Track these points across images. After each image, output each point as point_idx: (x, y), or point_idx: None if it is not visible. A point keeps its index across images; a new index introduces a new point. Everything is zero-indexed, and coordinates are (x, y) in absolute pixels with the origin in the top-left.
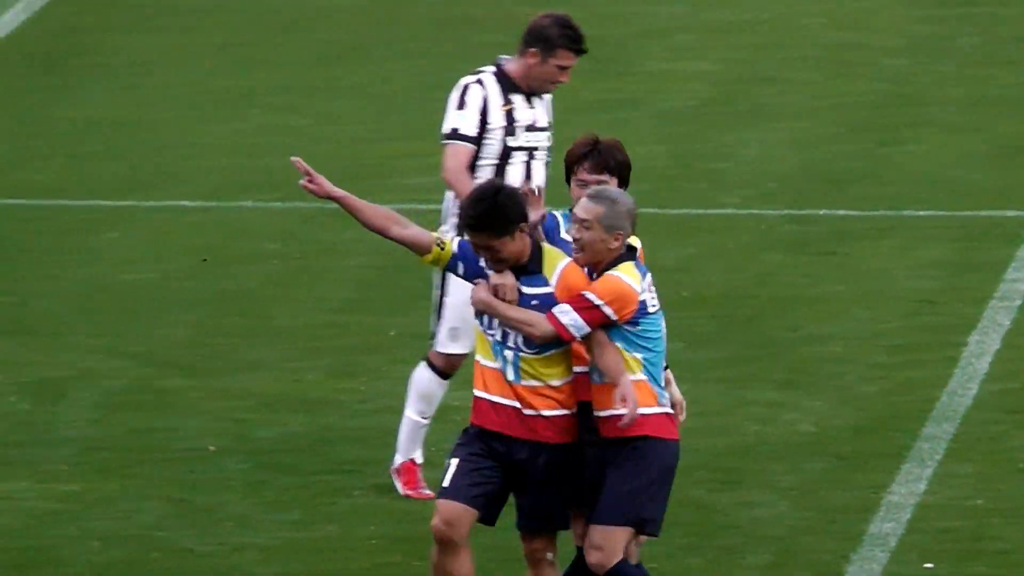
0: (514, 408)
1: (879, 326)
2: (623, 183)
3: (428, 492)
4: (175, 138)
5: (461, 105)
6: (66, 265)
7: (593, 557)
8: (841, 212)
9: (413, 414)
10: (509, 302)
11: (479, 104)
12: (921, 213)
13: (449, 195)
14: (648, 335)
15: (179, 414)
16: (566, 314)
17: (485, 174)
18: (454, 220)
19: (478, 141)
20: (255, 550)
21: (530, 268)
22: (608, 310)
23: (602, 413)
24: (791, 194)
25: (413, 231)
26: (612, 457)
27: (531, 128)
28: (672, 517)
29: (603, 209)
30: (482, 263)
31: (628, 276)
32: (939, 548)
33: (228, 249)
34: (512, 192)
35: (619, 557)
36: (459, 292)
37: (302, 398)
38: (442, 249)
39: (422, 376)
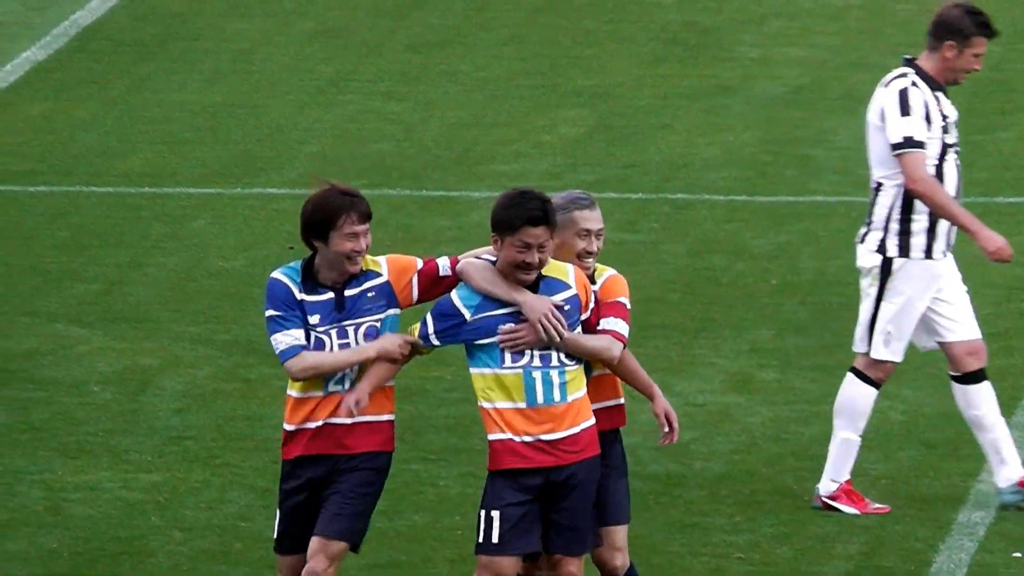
0: (549, 441)
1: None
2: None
3: (880, 506)
4: (268, 124)
5: (905, 111)
6: (155, 253)
7: (619, 559)
8: None
9: (848, 433)
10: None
11: (922, 107)
12: (1013, 200)
13: (882, 206)
14: None
15: (266, 403)
16: (621, 325)
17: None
18: (896, 228)
19: (925, 144)
20: None
21: (541, 275)
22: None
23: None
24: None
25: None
26: (606, 453)
27: (955, 124)
28: (762, 506)
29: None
30: (444, 321)
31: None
32: None
33: None
34: None
35: None
36: (896, 297)
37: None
38: (424, 345)
39: (854, 392)
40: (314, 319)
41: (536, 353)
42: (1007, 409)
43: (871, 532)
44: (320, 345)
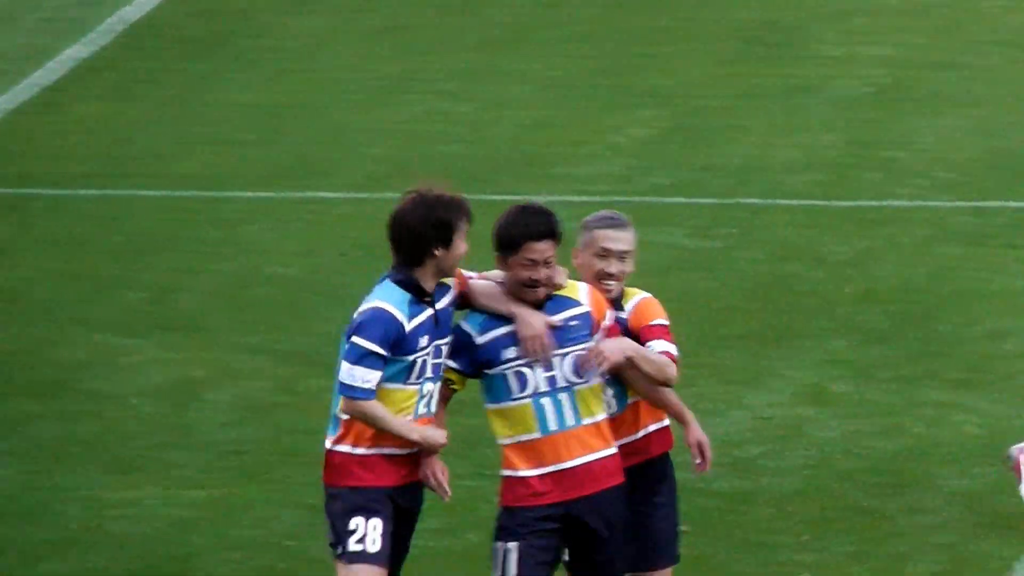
0: (564, 470)
1: None
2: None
3: None
4: (330, 126)
5: None
6: (210, 259)
7: None
8: (1021, 203)
9: None
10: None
11: None
12: None
13: None
14: None
15: (321, 416)
16: (669, 346)
17: None
18: None
19: None
20: None
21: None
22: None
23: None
24: (969, 184)
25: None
26: (653, 487)
27: None
28: (836, 524)
29: (634, 236)
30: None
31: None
32: None
33: (378, 242)
34: None
35: None
36: None
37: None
38: (455, 381)
39: None
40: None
41: (542, 377)
42: None
43: (948, 551)
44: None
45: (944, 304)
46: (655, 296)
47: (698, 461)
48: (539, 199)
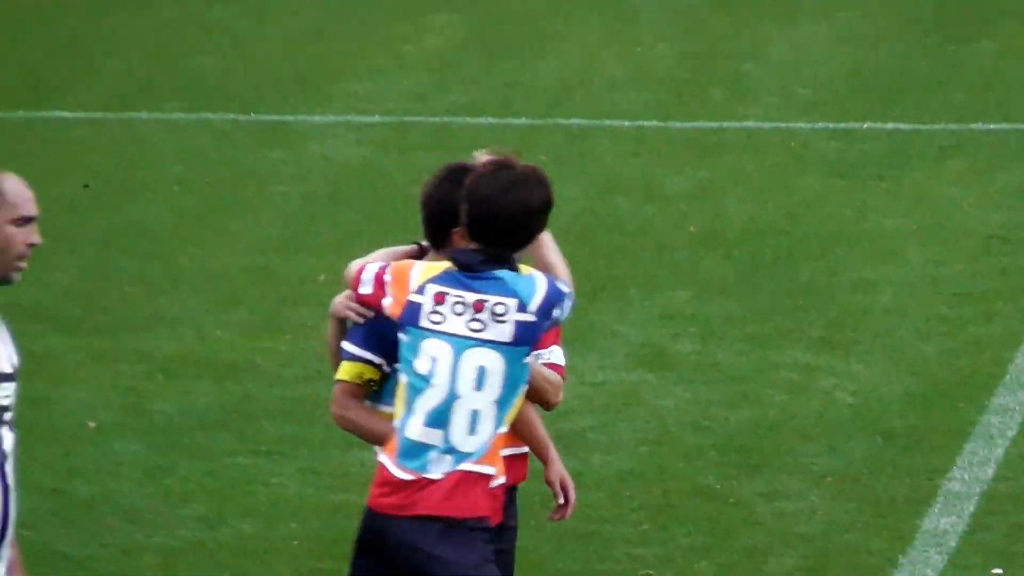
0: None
1: (940, 269)
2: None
3: None
4: (61, 36)
5: None
6: None
7: None
8: (893, 126)
9: None
10: None
11: None
12: (994, 127)
13: None
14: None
15: (55, 382)
16: (562, 357)
17: None
18: None
19: None
20: (150, 553)
21: None
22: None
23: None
24: (831, 104)
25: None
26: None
27: None
28: (680, 511)
29: None
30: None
31: None
32: (1010, 549)
33: (119, 174)
34: None
35: None
36: None
37: (211, 362)
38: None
39: None
40: None
41: None
42: (984, 390)
43: (813, 543)
44: None
45: (803, 247)
46: None
47: (560, 502)
48: (313, 121)
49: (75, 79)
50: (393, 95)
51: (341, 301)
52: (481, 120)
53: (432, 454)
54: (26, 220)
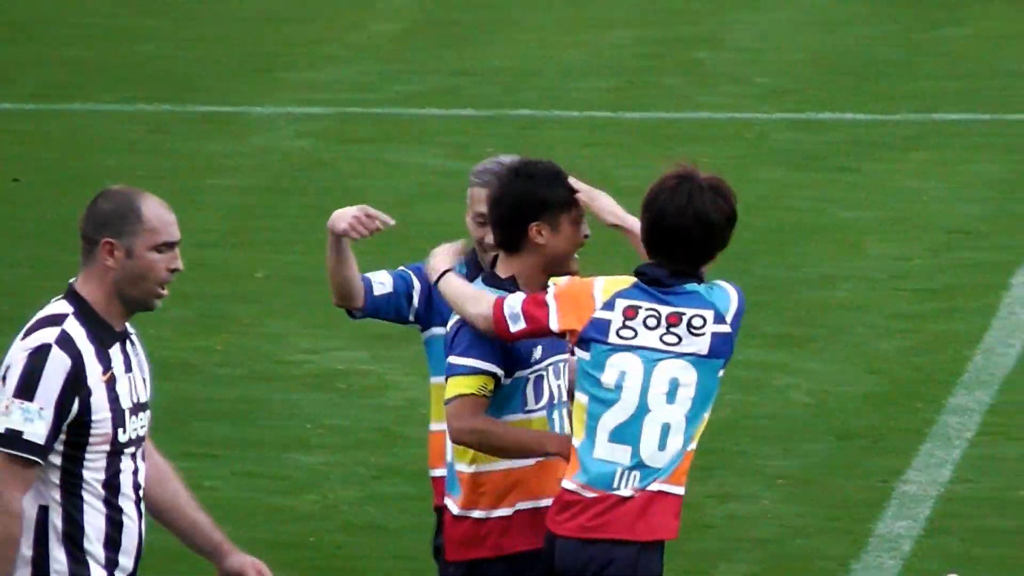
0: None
1: (901, 264)
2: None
3: None
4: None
5: None
6: None
7: None
8: (854, 116)
9: None
10: None
11: None
12: (959, 116)
13: None
14: None
15: None
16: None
17: None
18: None
19: None
20: None
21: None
22: None
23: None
24: (791, 93)
25: None
26: None
27: None
28: None
29: None
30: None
31: None
32: (968, 553)
33: (51, 167)
34: None
35: None
36: None
37: None
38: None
39: None
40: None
41: (556, 385)
42: (942, 388)
43: (766, 548)
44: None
45: (763, 241)
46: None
47: None
48: (254, 111)
49: (5, 70)
50: (341, 84)
51: (343, 215)
52: (427, 111)
53: (619, 470)
54: (169, 246)
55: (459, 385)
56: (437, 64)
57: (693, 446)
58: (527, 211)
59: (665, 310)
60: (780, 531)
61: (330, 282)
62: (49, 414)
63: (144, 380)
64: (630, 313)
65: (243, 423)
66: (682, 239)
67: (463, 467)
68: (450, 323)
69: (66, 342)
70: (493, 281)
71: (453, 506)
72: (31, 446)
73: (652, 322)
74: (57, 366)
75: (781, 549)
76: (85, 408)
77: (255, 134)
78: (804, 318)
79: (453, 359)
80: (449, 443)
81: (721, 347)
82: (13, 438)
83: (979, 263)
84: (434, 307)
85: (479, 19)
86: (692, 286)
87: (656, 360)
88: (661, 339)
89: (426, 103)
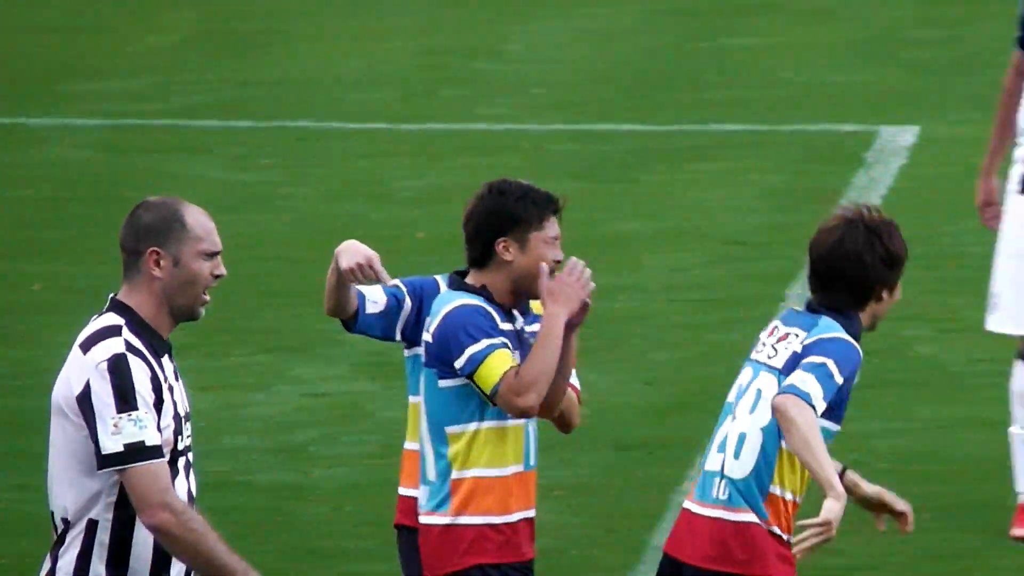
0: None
1: (677, 276)
2: None
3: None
4: None
5: None
6: None
7: None
8: (635, 127)
9: (1017, 429)
10: None
11: None
12: (736, 128)
13: None
14: None
15: None
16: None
17: None
18: None
19: None
20: None
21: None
22: None
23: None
24: (574, 104)
25: None
26: None
27: None
28: (374, 531)
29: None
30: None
31: None
32: None
33: None
34: None
35: None
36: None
37: None
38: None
39: (1017, 376)
40: None
41: None
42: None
43: (541, 559)
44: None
45: None
46: None
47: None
48: (31, 123)
49: None
50: (117, 96)
51: (352, 255)
52: (206, 123)
53: (715, 479)
54: (212, 255)
55: (498, 365)
56: (215, 75)
57: (775, 476)
58: (496, 226)
59: (783, 329)
60: (557, 542)
61: (326, 295)
62: (153, 416)
63: (185, 391)
64: (771, 331)
65: (21, 434)
66: (835, 276)
67: (461, 474)
68: (431, 329)
69: (134, 351)
70: (460, 285)
71: (440, 519)
72: (156, 449)
73: (772, 339)
74: (140, 372)
75: (556, 560)
76: (160, 415)
77: (33, 147)
78: (582, 330)
79: (472, 349)
80: (429, 461)
81: (789, 363)
82: (139, 450)
83: (755, 274)
84: (422, 326)
85: (257, 30)
86: (825, 315)
87: (757, 372)
88: (766, 352)
89: (204, 115)
